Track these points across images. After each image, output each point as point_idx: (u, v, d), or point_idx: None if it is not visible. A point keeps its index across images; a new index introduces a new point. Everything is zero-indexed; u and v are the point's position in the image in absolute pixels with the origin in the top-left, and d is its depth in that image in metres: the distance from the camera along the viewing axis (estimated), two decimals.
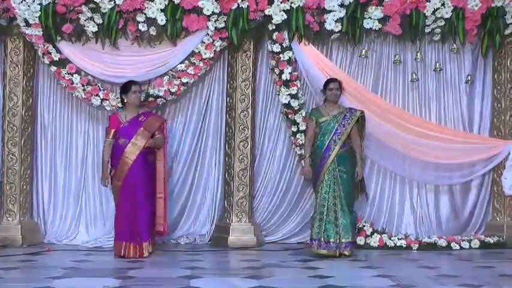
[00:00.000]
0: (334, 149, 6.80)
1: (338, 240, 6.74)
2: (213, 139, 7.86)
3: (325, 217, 6.75)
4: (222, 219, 7.73)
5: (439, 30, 7.60)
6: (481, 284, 5.31)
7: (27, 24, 7.20)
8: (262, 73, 7.82)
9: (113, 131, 6.88)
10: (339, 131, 6.85)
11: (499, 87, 7.90)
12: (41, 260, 6.54)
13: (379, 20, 7.50)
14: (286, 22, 7.41)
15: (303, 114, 7.50)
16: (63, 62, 7.34)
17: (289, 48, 7.50)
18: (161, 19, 7.27)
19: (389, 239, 7.50)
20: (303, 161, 7.23)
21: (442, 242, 7.48)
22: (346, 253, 6.77)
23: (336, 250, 6.73)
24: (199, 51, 7.37)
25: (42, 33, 7.23)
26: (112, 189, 6.98)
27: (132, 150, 6.77)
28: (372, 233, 7.51)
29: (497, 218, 7.85)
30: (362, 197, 7.25)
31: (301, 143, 7.44)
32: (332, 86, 6.99)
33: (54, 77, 7.48)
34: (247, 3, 7.30)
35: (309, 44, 7.58)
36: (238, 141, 7.56)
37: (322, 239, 6.73)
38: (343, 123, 6.88)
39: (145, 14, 7.27)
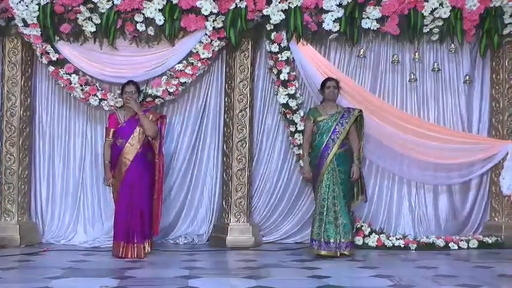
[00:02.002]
0: (332, 148, 6.79)
1: (338, 241, 6.73)
2: (211, 139, 7.85)
3: (324, 217, 6.75)
4: (220, 219, 7.73)
5: (437, 30, 7.60)
6: (479, 284, 5.31)
7: (26, 24, 7.20)
8: (261, 73, 7.82)
9: (112, 130, 6.87)
10: (337, 130, 6.84)
11: (497, 87, 7.90)
12: (39, 260, 6.54)
13: (377, 20, 7.50)
14: (284, 22, 7.40)
15: (301, 114, 7.50)
16: (61, 62, 7.33)
17: (287, 48, 7.50)
18: (159, 19, 7.27)
19: (388, 239, 7.50)
20: (301, 160, 7.22)
21: (441, 242, 7.48)
22: (347, 253, 6.76)
23: (336, 250, 6.73)
24: (197, 51, 7.36)
25: (40, 33, 7.22)
26: (112, 190, 6.97)
27: (130, 151, 6.76)
28: (370, 233, 7.51)
29: (496, 218, 7.85)
30: (361, 199, 7.22)
31: (299, 142, 7.44)
32: (329, 84, 6.99)
33: (52, 77, 7.47)
34: (246, 3, 7.29)
35: (307, 44, 7.57)
36: (236, 141, 7.56)
37: (322, 239, 6.73)
38: (341, 122, 6.87)
39: (143, 14, 7.26)
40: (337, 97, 7.07)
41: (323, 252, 6.71)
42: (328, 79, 7.08)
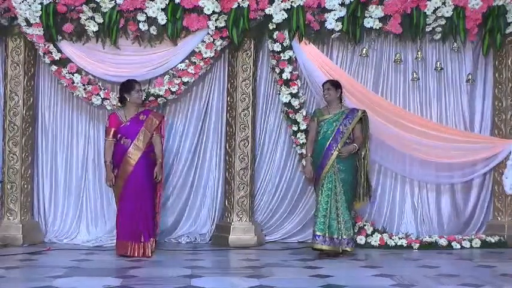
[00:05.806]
0: (336, 148, 6.79)
1: (340, 237, 6.74)
2: (214, 138, 7.86)
3: (329, 214, 6.76)
4: (222, 219, 7.74)
5: (439, 29, 7.60)
6: (482, 284, 5.31)
7: (28, 23, 7.21)
8: (263, 72, 7.83)
9: (112, 130, 6.85)
10: (341, 130, 6.83)
11: (500, 86, 7.89)
12: (42, 259, 6.54)
13: (380, 19, 7.49)
14: (286, 21, 7.41)
15: (304, 114, 7.50)
16: (63, 62, 7.34)
17: (290, 47, 7.50)
18: (162, 18, 7.27)
19: (390, 238, 7.50)
20: (303, 160, 7.22)
21: (443, 242, 7.48)
22: (349, 249, 6.76)
23: (339, 246, 6.73)
24: (199, 51, 7.37)
25: (43, 32, 7.23)
26: (114, 189, 6.94)
27: (135, 151, 6.76)
28: (373, 232, 7.51)
29: (499, 218, 7.84)
30: (366, 200, 7.17)
31: (301, 142, 7.44)
32: (324, 87, 7.01)
33: (55, 76, 7.48)
34: (248, 3, 7.29)
35: (309, 43, 7.57)
36: (239, 140, 7.56)
37: (327, 234, 6.73)
38: (344, 122, 6.86)
39: (145, 13, 7.27)
40: (335, 97, 6.96)
41: (325, 247, 6.71)
42: (325, 82, 7.09)
